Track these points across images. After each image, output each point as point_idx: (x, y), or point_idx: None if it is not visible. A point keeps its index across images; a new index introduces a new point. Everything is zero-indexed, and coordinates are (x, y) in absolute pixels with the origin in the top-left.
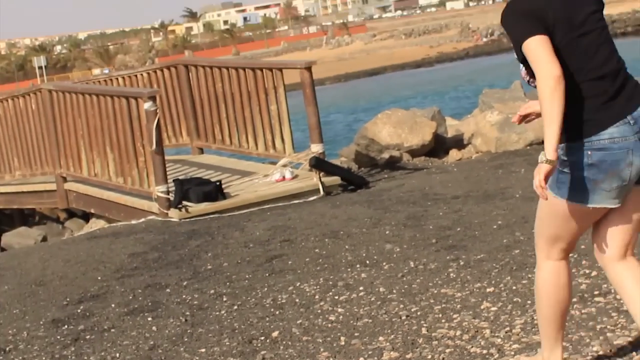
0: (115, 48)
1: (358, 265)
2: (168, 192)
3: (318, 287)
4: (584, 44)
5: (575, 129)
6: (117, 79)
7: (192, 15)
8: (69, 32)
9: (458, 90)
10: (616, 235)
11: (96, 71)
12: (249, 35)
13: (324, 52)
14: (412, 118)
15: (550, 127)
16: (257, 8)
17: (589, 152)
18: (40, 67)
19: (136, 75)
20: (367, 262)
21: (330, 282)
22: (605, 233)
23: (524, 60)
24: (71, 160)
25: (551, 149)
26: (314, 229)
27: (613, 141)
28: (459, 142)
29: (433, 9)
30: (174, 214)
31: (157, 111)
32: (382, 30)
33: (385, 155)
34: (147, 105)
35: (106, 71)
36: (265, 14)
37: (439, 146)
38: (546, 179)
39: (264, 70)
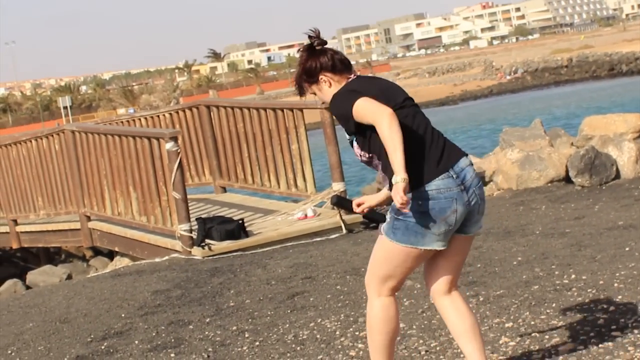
0: (139, 88)
1: None
2: (191, 231)
3: (339, 323)
4: (405, 118)
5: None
6: (139, 119)
7: (216, 56)
8: (94, 72)
9: (480, 128)
10: (443, 274)
11: (121, 111)
12: (273, 75)
13: None
14: None
15: (396, 154)
16: (280, 47)
17: (419, 202)
18: (65, 107)
19: (159, 116)
20: None
21: (351, 318)
22: (434, 272)
23: (355, 132)
24: (95, 200)
25: (401, 170)
26: (336, 266)
27: (439, 192)
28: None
29: (457, 48)
30: (197, 252)
31: (179, 151)
32: (405, 69)
33: None
34: (168, 145)
35: (131, 111)
36: (289, 54)
37: None
38: (404, 192)
39: (284, 110)
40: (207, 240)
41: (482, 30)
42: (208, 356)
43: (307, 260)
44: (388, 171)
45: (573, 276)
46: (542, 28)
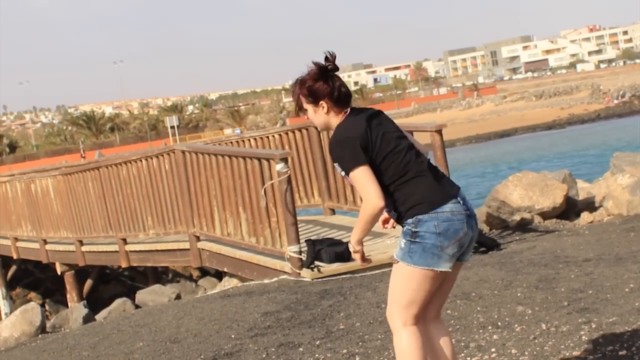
0: (246, 108)
1: (490, 327)
2: (300, 252)
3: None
4: (409, 151)
5: (423, 205)
6: (248, 139)
7: None
8: (201, 92)
9: (589, 153)
10: (434, 300)
11: (227, 131)
12: (380, 96)
13: (454, 113)
14: (543, 180)
15: (360, 234)
16: (387, 69)
17: (436, 223)
18: (172, 127)
19: (268, 137)
20: (499, 323)
21: (462, 344)
22: None
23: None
24: (204, 220)
25: (356, 243)
26: None
27: (453, 214)
28: (590, 205)
29: (563, 71)
30: (306, 274)
31: (289, 172)
32: (512, 92)
33: (517, 218)
34: (279, 166)
35: (237, 131)
36: (395, 75)
37: (570, 209)
38: (362, 258)
39: None
40: (317, 262)
41: (589, 53)
42: None
43: None
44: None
45: None
46: None
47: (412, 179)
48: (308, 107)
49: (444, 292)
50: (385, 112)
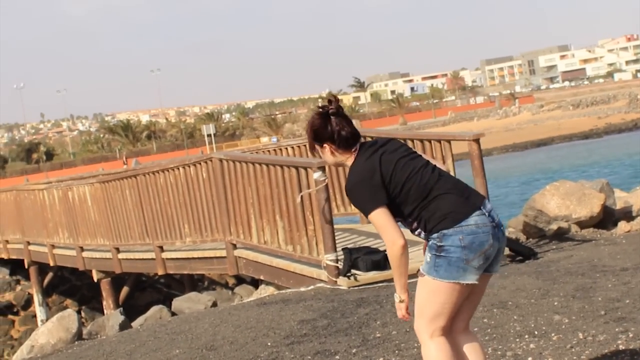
0: (283, 117)
1: (526, 336)
2: (337, 261)
3: (487, 356)
4: (421, 172)
5: (447, 220)
6: (286, 148)
7: (360, 85)
8: (237, 100)
9: (627, 162)
10: (463, 312)
11: (264, 139)
12: (416, 105)
13: (491, 122)
14: (580, 190)
15: (400, 280)
16: (424, 78)
17: (461, 237)
18: (209, 135)
19: (305, 145)
20: (536, 332)
21: (499, 352)
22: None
23: None
24: (241, 228)
25: (401, 292)
26: (482, 299)
27: (478, 226)
28: (627, 214)
29: (601, 80)
30: (342, 282)
31: (326, 180)
32: (549, 101)
33: (554, 227)
34: (316, 175)
35: (274, 140)
36: (432, 84)
37: (607, 218)
38: (406, 309)
39: (432, 141)
40: (353, 271)
41: (627, 62)
42: None
43: None
44: (408, 223)
45: None
46: None
47: (435, 198)
48: (317, 147)
49: (472, 303)
50: (422, 121)
